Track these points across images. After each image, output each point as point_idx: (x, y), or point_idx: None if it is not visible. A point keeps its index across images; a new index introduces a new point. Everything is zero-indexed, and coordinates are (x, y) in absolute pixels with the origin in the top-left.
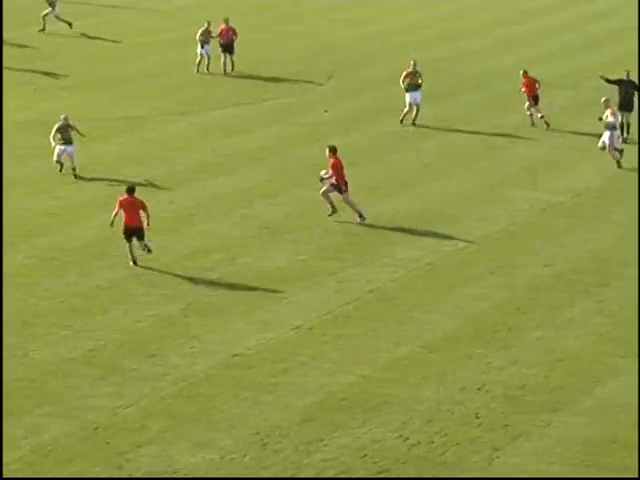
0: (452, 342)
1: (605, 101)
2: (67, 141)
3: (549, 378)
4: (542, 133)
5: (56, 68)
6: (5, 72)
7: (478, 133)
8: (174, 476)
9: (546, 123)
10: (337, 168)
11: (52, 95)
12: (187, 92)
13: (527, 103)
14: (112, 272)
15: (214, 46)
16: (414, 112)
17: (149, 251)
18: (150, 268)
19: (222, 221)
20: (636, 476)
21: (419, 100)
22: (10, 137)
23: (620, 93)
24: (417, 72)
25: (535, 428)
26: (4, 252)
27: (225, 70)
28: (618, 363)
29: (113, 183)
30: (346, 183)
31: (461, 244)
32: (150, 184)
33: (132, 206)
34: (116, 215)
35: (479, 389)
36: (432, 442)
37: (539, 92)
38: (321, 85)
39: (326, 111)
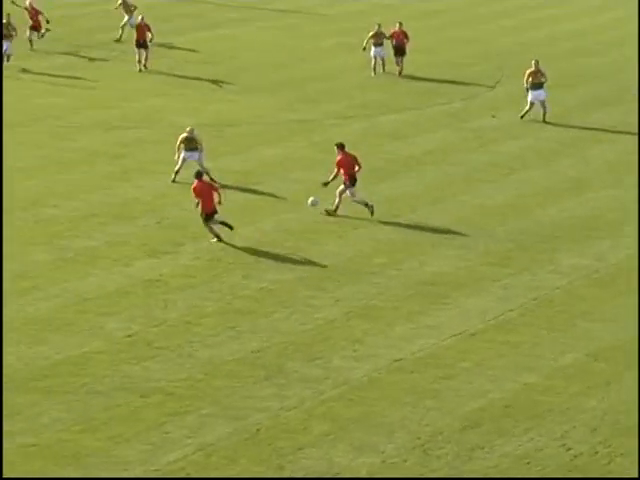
0: (617, 351)
1: None
2: (193, 149)
3: None
4: None
5: (225, 72)
6: (174, 76)
7: None
8: (336, 476)
9: None
10: (342, 165)
11: (221, 99)
12: (356, 96)
13: None
14: (277, 274)
15: (388, 48)
16: (542, 111)
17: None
18: (315, 271)
19: (387, 226)
20: (636, 476)
21: (543, 97)
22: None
23: None
24: (540, 71)
25: None
26: (171, 253)
27: (400, 72)
28: None
29: (282, 187)
30: (353, 180)
31: (628, 252)
32: (314, 188)
33: (206, 191)
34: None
35: None
36: (596, 452)
37: None
38: (490, 90)
39: (494, 116)
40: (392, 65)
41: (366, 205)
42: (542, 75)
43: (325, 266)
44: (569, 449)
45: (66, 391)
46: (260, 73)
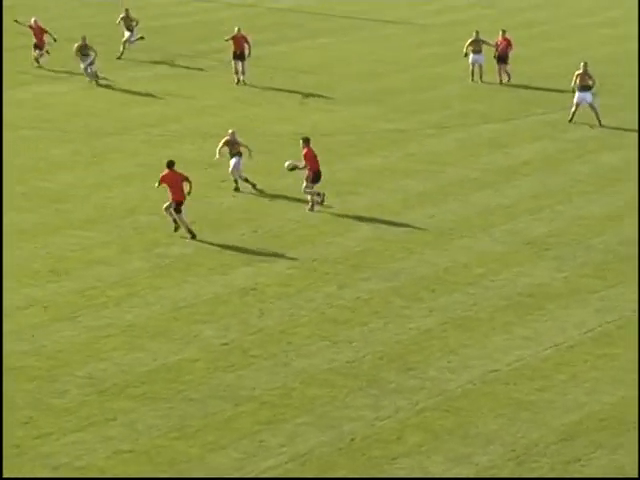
0: None
1: None
2: (235, 154)
3: None
4: None
5: (323, 82)
6: (271, 86)
7: None
8: None
9: None
10: (308, 158)
11: (318, 108)
12: (453, 106)
13: None
14: (372, 284)
15: (487, 56)
16: (593, 115)
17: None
18: (410, 281)
19: (483, 236)
20: (636, 476)
21: (589, 100)
22: (274, 149)
23: None
24: (587, 74)
25: None
26: (267, 262)
27: (501, 80)
28: None
29: (377, 197)
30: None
31: None
32: (410, 198)
33: (176, 181)
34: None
35: None
36: None
37: None
38: None
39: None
40: (491, 74)
41: (318, 194)
42: (589, 78)
43: (421, 276)
44: None
45: (162, 398)
46: (357, 83)
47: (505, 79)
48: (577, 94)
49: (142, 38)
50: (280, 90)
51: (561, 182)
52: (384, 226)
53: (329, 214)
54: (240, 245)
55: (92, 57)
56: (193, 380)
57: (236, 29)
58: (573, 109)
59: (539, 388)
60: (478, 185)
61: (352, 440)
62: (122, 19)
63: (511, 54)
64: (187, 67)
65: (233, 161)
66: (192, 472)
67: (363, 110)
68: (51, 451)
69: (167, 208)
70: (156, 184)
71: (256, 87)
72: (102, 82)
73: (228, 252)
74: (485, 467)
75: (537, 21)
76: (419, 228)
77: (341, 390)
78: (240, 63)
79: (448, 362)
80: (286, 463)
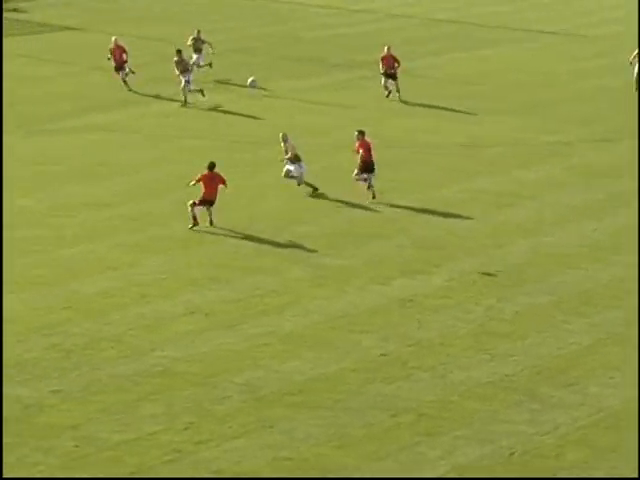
0: None
1: None
2: (294, 159)
3: None
4: None
5: (481, 93)
6: (430, 96)
7: None
8: None
9: None
10: (363, 148)
11: (476, 120)
12: (616, 119)
13: None
14: (532, 298)
15: None
16: None
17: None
18: (571, 295)
19: None
20: (636, 476)
21: None
22: (431, 159)
23: None
24: None
25: None
26: (426, 274)
27: None
28: None
29: (536, 210)
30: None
31: None
32: (571, 210)
33: (213, 182)
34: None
35: None
36: None
37: None
38: None
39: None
40: None
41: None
42: None
43: (581, 291)
44: None
45: (320, 407)
46: (515, 94)
47: None
48: None
49: (210, 65)
50: (439, 99)
51: None
52: (544, 239)
53: (490, 226)
54: (399, 256)
55: (190, 73)
56: (351, 390)
57: (386, 48)
58: None
59: None
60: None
61: (511, 455)
62: (193, 40)
63: None
64: (345, 77)
65: (295, 167)
66: None
67: (522, 121)
68: (211, 456)
69: (192, 205)
70: (192, 182)
71: (415, 97)
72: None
73: (387, 263)
74: None
75: None
76: (580, 241)
77: (500, 404)
78: (391, 82)
79: (609, 378)
80: (445, 475)
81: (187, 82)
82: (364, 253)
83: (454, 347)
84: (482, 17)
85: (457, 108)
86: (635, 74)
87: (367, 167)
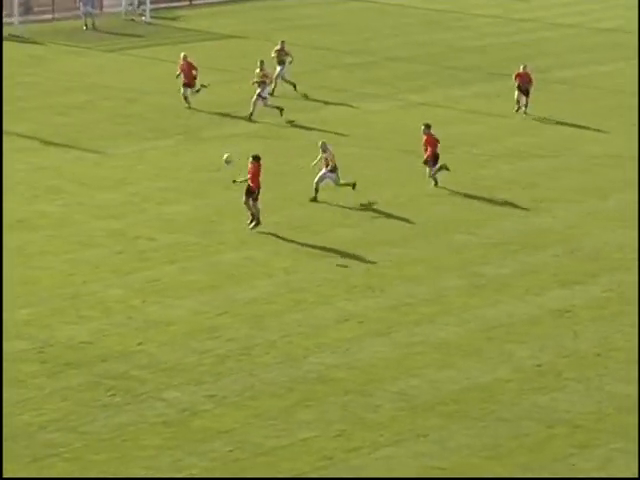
0: None
1: None
2: (331, 168)
3: None
4: None
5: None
6: (593, 104)
7: None
8: None
9: None
10: (429, 142)
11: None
12: None
13: None
14: None
15: None
16: None
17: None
18: None
19: None
20: (636, 476)
21: None
22: (590, 168)
23: None
24: None
25: None
26: (583, 284)
27: None
28: None
29: None
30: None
31: None
32: None
33: (256, 172)
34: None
35: None
36: None
37: None
38: None
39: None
40: None
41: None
42: None
43: None
44: None
45: (474, 417)
46: None
47: None
48: None
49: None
50: (600, 110)
51: None
52: None
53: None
54: (556, 266)
55: (269, 88)
56: (505, 400)
57: (521, 66)
58: None
59: None
60: None
61: None
62: (278, 51)
63: None
64: (502, 86)
65: (328, 173)
66: None
67: None
68: (362, 464)
69: (246, 202)
70: (241, 179)
71: (573, 105)
72: (417, 100)
73: (543, 273)
74: None
75: None
76: None
77: None
78: (524, 98)
79: None
80: None
81: (261, 96)
82: (520, 263)
83: (611, 359)
84: None
85: (622, 118)
86: None
87: (435, 158)
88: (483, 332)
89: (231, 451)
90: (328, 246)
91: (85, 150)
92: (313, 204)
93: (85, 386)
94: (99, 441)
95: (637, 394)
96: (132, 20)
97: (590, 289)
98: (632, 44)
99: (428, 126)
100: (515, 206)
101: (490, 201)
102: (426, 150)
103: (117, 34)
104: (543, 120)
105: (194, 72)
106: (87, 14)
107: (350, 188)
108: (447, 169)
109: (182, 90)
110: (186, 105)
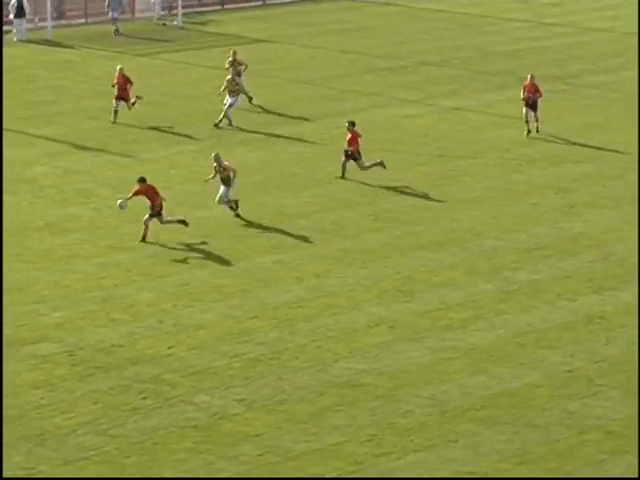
0: None
1: None
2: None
3: None
4: None
5: None
6: (625, 110)
7: None
8: None
9: None
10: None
11: None
12: None
13: None
14: None
15: None
16: None
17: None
18: None
19: None
20: (636, 476)
21: None
22: (622, 175)
23: None
24: None
25: None
26: (615, 290)
27: None
28: None
29: None
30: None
31: None
32: None
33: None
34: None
35: None
36: None
37: None
38: None
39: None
40: None
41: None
42: None
43: None
44: None
45: (505, 422)
46: None
47: None
48: None
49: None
50: (631, 115)
51: None
52: None
53: None
54: (588, 272)
55: (237, 98)
56: (536, 406)
57: (529, 76)
58: None
59: None
60: None
61: None
62: (230, 63)
63: None
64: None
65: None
66: None
67: None
68: (392, 469)
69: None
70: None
71: (608, 112)
72: (449, 105)
73: (576, 278)
74: None
75: None
76: None
77: None
78: (531, 112)
79: None
80: None
81: (230, 105)
82: (552, 268)
83: None
84: None
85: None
86: None
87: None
88: (514, 337)
89: (261, 455)
90: (359, 250)
91: (116, 154)
92: (344, 209)
93: (116, 389)
94: (130, 444)
95: None
96: (164, 25)
97: (623, 295)
98: None
99: (352, 123)
100: (548, 211)
101: (522, 206)
102: (351, 146)
103: (149, 39)
104: (575, 125)
105: (128, 86)
106: (113, 20)
107: (385, 190)
108: (384, 166)
109: (114, 103)
110: (112, 120)
